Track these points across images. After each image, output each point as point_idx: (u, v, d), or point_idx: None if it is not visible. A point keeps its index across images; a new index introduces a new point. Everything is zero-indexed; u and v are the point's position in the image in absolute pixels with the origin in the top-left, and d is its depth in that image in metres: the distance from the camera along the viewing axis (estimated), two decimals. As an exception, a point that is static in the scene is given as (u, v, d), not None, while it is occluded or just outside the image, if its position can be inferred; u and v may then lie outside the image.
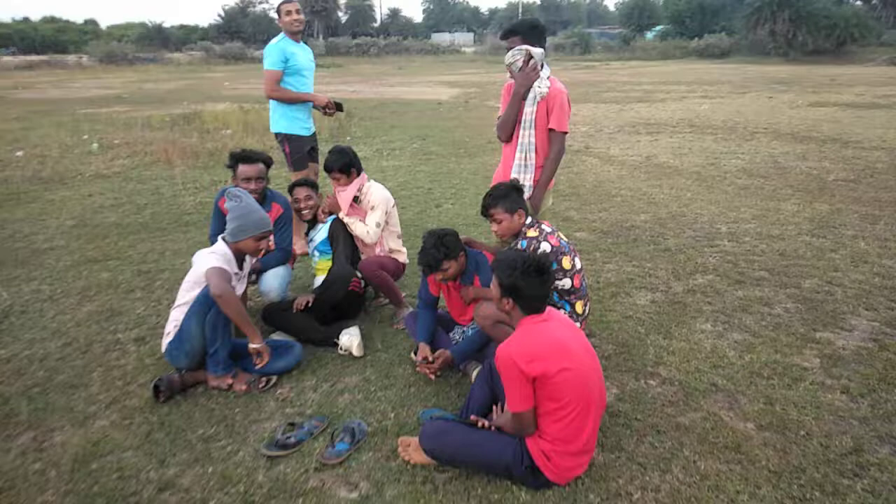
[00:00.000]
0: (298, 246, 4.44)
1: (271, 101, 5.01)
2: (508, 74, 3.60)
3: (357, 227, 3.97)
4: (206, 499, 2.47)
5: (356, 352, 3.52)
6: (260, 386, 3.20)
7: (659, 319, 3.94)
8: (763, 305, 4.13)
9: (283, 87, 4.88)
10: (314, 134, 5.21)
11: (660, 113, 14.47)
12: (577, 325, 3.15)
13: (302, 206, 4.01)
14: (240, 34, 63.35)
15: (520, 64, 3.49)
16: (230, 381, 3.19)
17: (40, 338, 3.85)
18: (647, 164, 8.86)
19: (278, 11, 4.92)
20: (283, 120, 5.00)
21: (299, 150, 5.04)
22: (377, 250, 4.07)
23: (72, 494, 2.50)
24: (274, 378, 3.26)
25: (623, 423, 2.87)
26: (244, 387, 3.18)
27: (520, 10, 72.22)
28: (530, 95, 3.45)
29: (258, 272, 3.92)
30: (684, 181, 7.76)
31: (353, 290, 3.84)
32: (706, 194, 7.09)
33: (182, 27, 75.47)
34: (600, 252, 5.17)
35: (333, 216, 4.03)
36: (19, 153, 10.03)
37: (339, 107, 5.03)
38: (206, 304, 2.99)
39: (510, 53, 3.51)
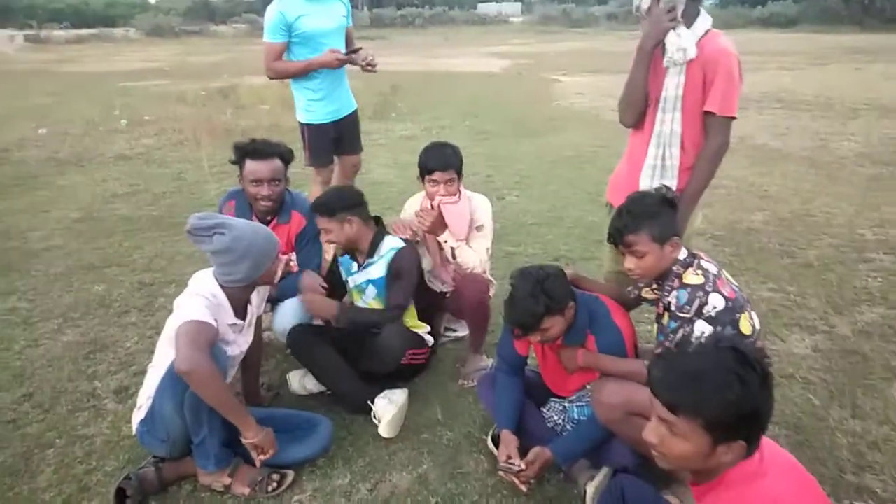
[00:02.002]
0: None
1: (290, 82, 3.93)
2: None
3: (466, 255, 2.81)
4: None
5: (383, 430, 2.48)
6: (269, 489, 2.19)
7: (835, 382, 2.78)
8: (975, 359, 2.93)
9: (287, 61, 3.78)
10: (348, 117, 4.04)
11: (739, 86, 12.89)
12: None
13: (323, 239, 2.83)
14: (284, 6, 62.45)
15: (646, 5, 2.34)
16: (227, 480, 2.19)
17: (-4, 385, 2.94)
18: (744, 146, 7.50)
19: None
20: (300, 105, 3.91)
21: (320, 140, 3.95)
22: (446, 279, 2.99)
23: None
24: (290, 476, 2.24)
25: None
26: (247, 490, 2.18)
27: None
28: (675, 58, 2.27)
29: (273, 301, 2.90)
30: (796, 168, 6.44)
31: (413, 364, 2.78)
32: (829, 186, 5.79)
33: (228, 0, 75.14)
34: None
35: (397, 247, 2.75)
36: (42, 130, 9.28)
37: (355, 52, 3.80)
38: (180, 378, 1.98)
39: None
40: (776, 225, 4.77)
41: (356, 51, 3.81)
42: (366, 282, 2.79)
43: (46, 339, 3.36)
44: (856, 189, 5.68)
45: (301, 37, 3.72)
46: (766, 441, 1.46)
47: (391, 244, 2.76)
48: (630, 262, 2.02)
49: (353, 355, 2.67)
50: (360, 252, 2.78)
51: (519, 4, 70.35)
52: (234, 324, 2.26)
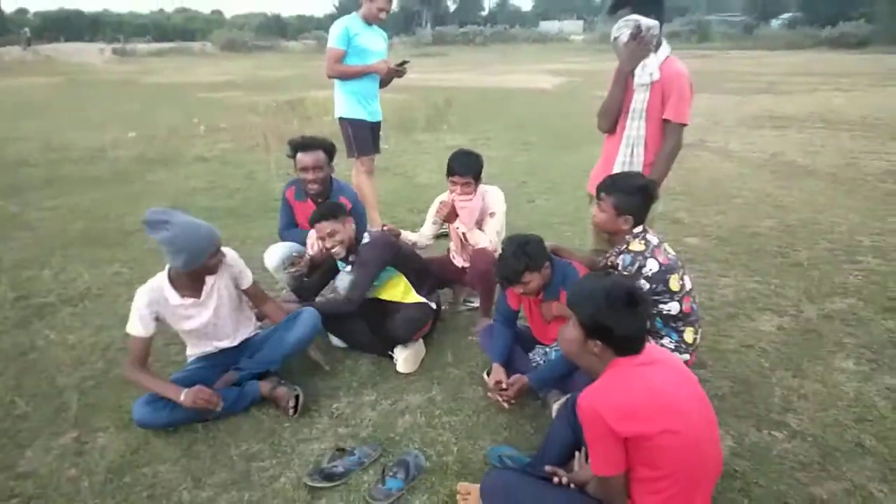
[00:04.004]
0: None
1: (336, 86, 4.80)
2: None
3: (475, 236, 3.45)
4: (234, 534, 2.17)
5: (401, 367, 3.14)
6: (291, 414, 2.78)
7: (787, 352, 3.27)
8: (922, 341, 3.36)
9: (345, 64, 4.65)
10: (379, 123, 4.99)
11: (786, 105, 13.07)
12: (687, 356, 2.62)
13: (328, 244, 3.21)
14: (352, 23, 64.78)
15: (625, 38, 2.94)
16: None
17: (108, 325, 3.75)
18: (773, 161, 7.88)
19: None
20: (346, 105, 4.77)
21: (363, 133, 4.82)
22: (465, 258, 3.64)
23: (97, 511, 2.28)
24: (300, 396, 2.80)
25: (740, 487, 2.31)
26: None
27: (634, -4, 68.88)
28: (643, 80, 2.88)
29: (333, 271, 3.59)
30: (817, 183, 6.79)
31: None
32: (844, 199, 6.14)
33: (299, 17, 78.41)
34: (716, 263, 4.49)
35: (365, 241, 3.28)
36: (132, 134, 10.45)
37: (402, 64, 4.70)
38: None
39: (615, 26, 2.97)
40: (780, 231, 5.20)
41: (403, 63, 4.63)
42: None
43: (144, 295, 4.17)
44: (869, 202, 6.01)
45: (355, 49, 4.62)
46: (662, 351, 2.05)
47: (366, 239, 3.31)
48: (595, 210, 2.71)
49: (376, 330, 3.26)
50: (351, 251, 3.29)
51: (581, 23, 70.64)
52: (181, 304, 2.78)
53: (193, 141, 9.94)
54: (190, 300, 2.81)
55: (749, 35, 47.07)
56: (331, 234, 3.18)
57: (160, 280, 2.78)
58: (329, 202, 3.33)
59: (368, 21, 4.65)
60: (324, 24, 67.96)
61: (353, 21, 4.64)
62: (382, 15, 4.63)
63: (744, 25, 51.61)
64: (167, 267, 2.78)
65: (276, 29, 65.08)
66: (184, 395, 2.62)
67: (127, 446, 2.63)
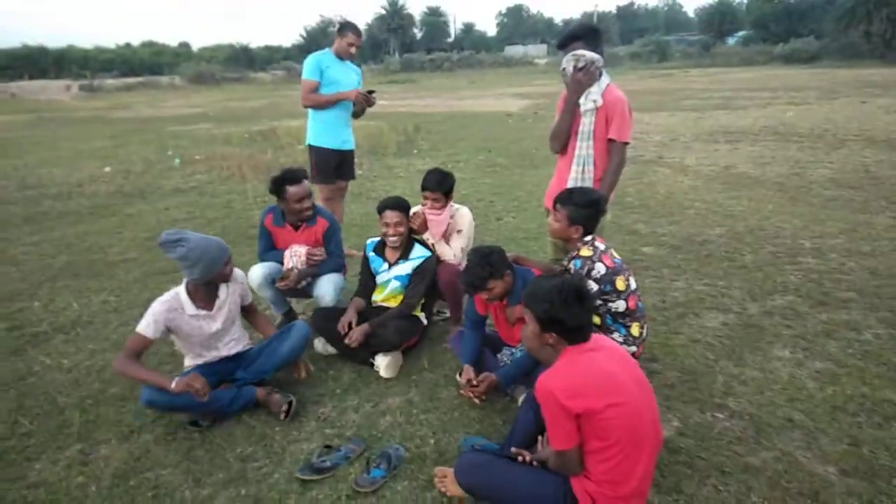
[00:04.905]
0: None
1: (309, 114, 5.15)
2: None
3: (442, 249, 3.81)
4: (235, 523, 2.40)
5: (383, 372, 3.43)
6: (282, 418, 3.04)
7: (731, 344, 3.62)
8: (850, 331, 3.73)
9: (318, 94, 5.01)
10: (351, 151, 5.32)
11: (741, 120, 13.74)
12: (634, 348, 2.93)
13: (391, 232, 3.63)
14: (320, 53, 65.46)
15: (570, 69, 3.31)
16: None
17: (101, 349, 3.95)
18: (725, 174, 8.37)
19: (340, 30, 5.01)
20: (314, 133, 5.14)
21: (325, 162, 5.15)
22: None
23: (108, 511, 2.49)
24: (294, 401, 3.08)
25: (684, 461, 2.61)
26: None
27: (595, 19, 71.00)
28: (588, 106, 3.24)
29: (313, 277, 3.86)
30: (765, 192, 7.26)
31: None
32: (789, 206, 6.59)
33: (267, 48, 78.87)
34: (668, 269, 4.85)
35: (426, 255, 3.71)
36: (107, 169, 10.61)
37: (370, 93, 5.04)
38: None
39: (564, 60, 3.33)
40: (729, 238, 5.60)
41: (372, 91, 4.97)
42: (391, 279, 3.72)
43: (134, 321, 4.29)
44: (812, 208, 6.47)
45: (328, 80, 5.00)
46: (606, 339, 2.36)
47: (420, 252, 3.72)
48: (551, 218, 3.03)
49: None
50: (396, 250, 3.71)
51: (545, 46, 72.24)
52: (196, 314, 3.04)
53: (169, 173, 10.13)
54: (203, 311, 3.08)
55: (706, 53, 48.80)
56: (396, 224, 3.61)
57: (178, 291, 3.05)
58: (400, 197, 3.74)
59: (341, 56, 5.01)
60: (292, 54, 68.61)
61: (325, 55, 5.01)
62: (353, 50, 5.01)
63: (701, 44, 53.45)
64: (184, 281, 3.04)
65: (245, 60, 65.43)
66: (174, 383, 2.80)
67: (130, 455, 2.84)
